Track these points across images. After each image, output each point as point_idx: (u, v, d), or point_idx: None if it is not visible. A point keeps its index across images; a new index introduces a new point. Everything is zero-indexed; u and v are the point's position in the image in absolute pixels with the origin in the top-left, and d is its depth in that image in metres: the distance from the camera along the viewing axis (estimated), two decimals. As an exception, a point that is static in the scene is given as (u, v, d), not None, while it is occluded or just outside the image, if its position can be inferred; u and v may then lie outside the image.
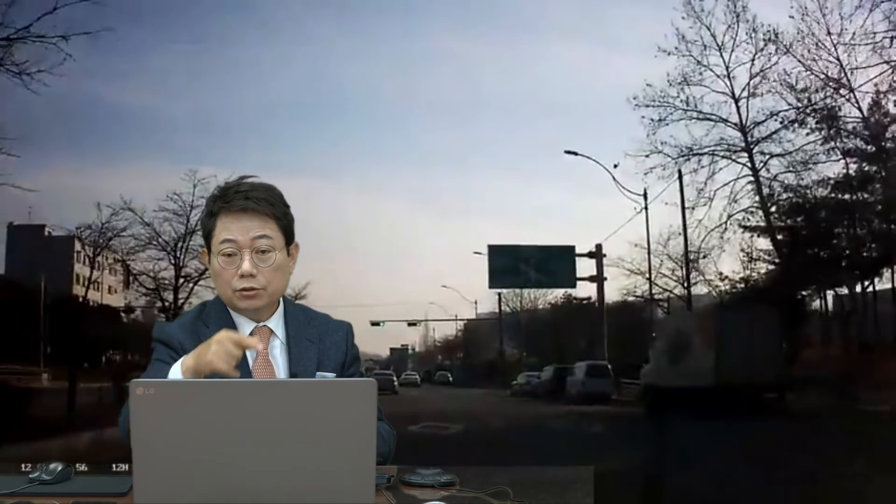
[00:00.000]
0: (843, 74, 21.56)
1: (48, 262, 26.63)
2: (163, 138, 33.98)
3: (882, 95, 21.24)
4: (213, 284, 1.73)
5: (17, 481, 1.45)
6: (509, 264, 26.45)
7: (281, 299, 1.70)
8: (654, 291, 26.18)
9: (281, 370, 1.65)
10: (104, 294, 30.05)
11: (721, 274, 24.76)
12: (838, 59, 21.42)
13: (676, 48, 23.51)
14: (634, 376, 23.33)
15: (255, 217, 1.62)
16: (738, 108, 23.51)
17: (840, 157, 22.43)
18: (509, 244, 27.06)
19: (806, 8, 21.50)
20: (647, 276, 25.87)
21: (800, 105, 22.39)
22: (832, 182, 22.58)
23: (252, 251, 1.62)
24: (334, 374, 1.62)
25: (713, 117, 23.70)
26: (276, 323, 1.68)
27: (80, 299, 27.87)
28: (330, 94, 35.74)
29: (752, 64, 23.04)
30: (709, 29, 23.28)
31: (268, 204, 1.63)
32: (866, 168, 22.28)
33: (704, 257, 24.56)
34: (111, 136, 33.74)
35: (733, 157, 23.81)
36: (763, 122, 23.23)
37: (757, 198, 23.47)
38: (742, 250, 24.22)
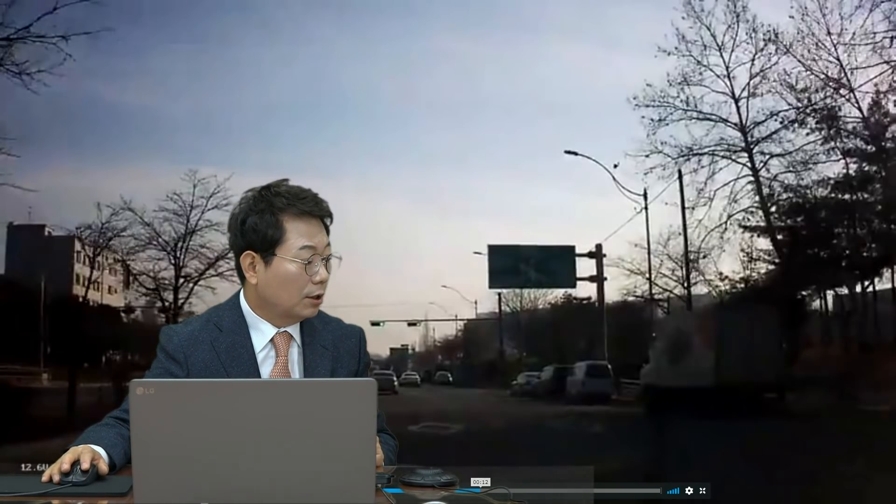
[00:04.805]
0: (843, 74, 21.54)
1: (48, 262, 26.56)
2: (163, 138, 33.79)
3: (882, 95, 21.20)
4: (212, 285, 1.71)
5: (31, 483, 1.39)
6: (509, 264, 26.38)
7: None
8: (654, 291, 26.16)
9: (297, 377, 1.64)
10: (104, 294, 29.98)
11: (721, 274, 24.69)
12: (838, 59, 21.38)
13: (676, 48, 23.38)
14: (634, 376, 23.29)
15: (322, 224, 1.63)
16: (738, 108, 23.43)
17: (840, 157, 22.39)
18: (509, 244, 26.97)
19: (806, 8, 21.42)
20: (647, 276, 25.85)
21: (800, 105, 22.34)
22: (832, 182, 22.52)
23: (322, 259, 1.62)
24: None
25: (713, 117, 23.62)
26: (294, 328, 1.67)
27: (80, 299, 27.83)
28: (330, 94, 35.53)
29: (752, 64, 22.96)
30: (709, 29, 23.19)
31: (329, 212, 1.64)
32: (866, 168, 22.25)
33: (704, 257, 24.51)
34: (111, 136, 33.59)
35: (733, 157, 23.74)
36: (763, 122, 23.15)
37: (757, 198, 23.42)
38: (742, 250, 24.15)
